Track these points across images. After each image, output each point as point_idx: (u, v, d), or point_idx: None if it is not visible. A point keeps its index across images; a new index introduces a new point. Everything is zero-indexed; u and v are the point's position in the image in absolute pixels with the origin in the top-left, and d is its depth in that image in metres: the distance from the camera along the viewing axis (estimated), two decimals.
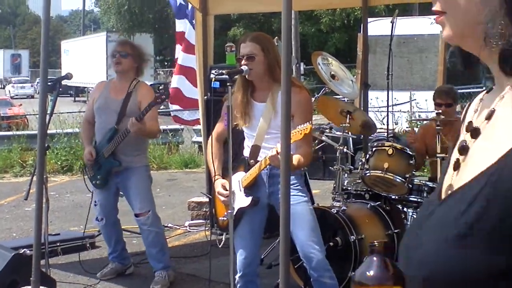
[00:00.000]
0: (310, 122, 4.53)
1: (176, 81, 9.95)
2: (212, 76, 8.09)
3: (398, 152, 6.17)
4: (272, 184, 4.82)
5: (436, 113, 6.43)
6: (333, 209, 5.98)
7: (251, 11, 15.96)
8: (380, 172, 6.11)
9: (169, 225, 8.82)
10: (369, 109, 14.07)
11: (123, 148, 6.35)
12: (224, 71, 4.77)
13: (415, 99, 14.20)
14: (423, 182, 6.36)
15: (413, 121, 13.24)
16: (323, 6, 13.87)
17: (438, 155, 6.06)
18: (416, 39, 15.10)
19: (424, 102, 13.68)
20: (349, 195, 6.54)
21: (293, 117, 4.63)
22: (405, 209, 6.46)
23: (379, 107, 13.98)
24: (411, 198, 6.34)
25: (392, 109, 14.27)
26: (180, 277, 6.71)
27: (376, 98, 14.08)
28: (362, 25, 9.07)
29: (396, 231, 6.24)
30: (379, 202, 6.37)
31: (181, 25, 11.72)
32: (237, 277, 4.98)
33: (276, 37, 17.19)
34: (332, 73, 6.98)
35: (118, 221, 6.80)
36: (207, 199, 8.28)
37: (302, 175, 4.92)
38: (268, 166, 4.71)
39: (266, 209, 4.98)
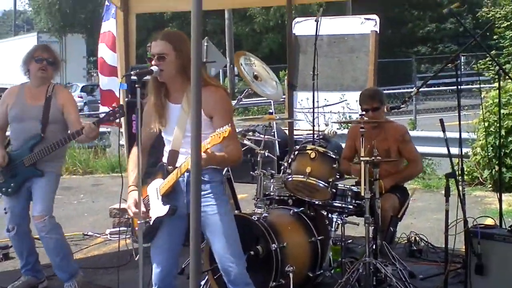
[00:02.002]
0: (230, 123, 4.24)
1: (107, 82, 9.66)
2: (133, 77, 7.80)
3: (321, 155, 5.94)
4: (190, 191, 4.51)
5: (360, 115, 6.22)
6: (254, 216, 5.72)
7: (174, 9, 15.55)
8: (302, 176, 5.87)
9: (89, 233, 8.47)
10: (300, 110, 13.99)
11: (47, 158, 6.05)
12: (132, 72, 4.45)
13: (345, 100, 14.05)
14: (348, 186, 6.13)
15: (341, 123, 13.08)
16: (247, 4, 13.56)
17: (362, 158, 5.84)
18: (347, 38, 14.97)
19: (355, 103, 13.51)
20: (272, 201, 6.29)
21: (212, 118, 4.40)
22: (329, 215, 6.23)
23: (309, 108, 13.76)
24: (335, 204, 6.12)
25: (323, 110, 14.18)
26: None
27: (307, 99, 13.86)
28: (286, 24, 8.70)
29: (319, 238, 6.02)
30: (302, 208, 6.14)
31: (108, 25, 11.47)
32: None
33: (206, 37, 16.93)
34: (255, 73, 6.75)
35: (29, 231, 6.41)
36: None
37: (221, 182, 4.62)
38: (186, 173, 4.42)
39: (185, 219, 4.66)
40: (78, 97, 36.99)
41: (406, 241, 7.54)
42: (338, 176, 6.12)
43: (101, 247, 7.99)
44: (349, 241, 7.36)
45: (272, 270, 5.56)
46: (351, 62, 14.86)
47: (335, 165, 5.93)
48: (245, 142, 6.40)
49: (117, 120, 6.03)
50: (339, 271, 6.16)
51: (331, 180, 5.89)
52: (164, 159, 4.60)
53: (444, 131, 5.70)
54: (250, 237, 5.66)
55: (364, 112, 6.42)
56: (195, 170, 3.76)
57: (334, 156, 5.97)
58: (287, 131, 12.29)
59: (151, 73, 4.41)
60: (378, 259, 5.91)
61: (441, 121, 5.71)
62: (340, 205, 6.11)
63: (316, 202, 6.16)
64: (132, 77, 4.38)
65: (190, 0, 3.60)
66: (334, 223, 6.15)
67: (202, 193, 4.45)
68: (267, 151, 6.09)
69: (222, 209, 4.53)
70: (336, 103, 14.17)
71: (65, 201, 10.43)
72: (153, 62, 4.44)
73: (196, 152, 3.76)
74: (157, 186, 4.54)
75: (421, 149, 11.94)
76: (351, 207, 6.09)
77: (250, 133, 6.65)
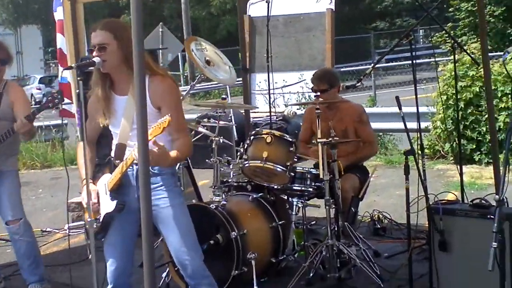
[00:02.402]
0: (175, 114, 4.09)
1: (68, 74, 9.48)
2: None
3: (277, 139, 5.82)
4: None
5: (315, 96, 6.11)
6: (212, 205, 5.60)
7: None
8: (259, 162, 5.76)
9: (48, 229, 8.29)
10: (258, 92, 13.86)
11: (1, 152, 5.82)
12: (73, 64, 4.27)
13: (304, 79, 13.93)
14: (306, 169, 6.03)
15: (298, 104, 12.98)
16: None
17: (319, 140, 5.73)
18: (303, 18, 14.81)
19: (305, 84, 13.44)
20: (230, 187, 6.17)
21: (160, 109, 4.24)
22: (290, 198, 6.13)
23: (267, 90, 13.63)
24: (294, 187, 6.01)
25: (282, 90, 14.08)
26: (55, 286, 6.20)
27: (265, 80, 13.65)
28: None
29: (280, 222, 5.92)
30: (261, 194, 6.03)
31: (59, 14, 11.21)
32: None
33: (161, 23, 16.68)
34: (207, 58, 6.59)
35: None
36: None
37: (173, 173, 4.47)
38: (135, 166, 4.26)
39: (137, 213, 4.45)
40: (37, 89, 36.52)
41: (369, 219, 7.48)
42: (296, 160, 6.02)
43: (60, 243, 7.83)
44: (312, 222, 7.31)
45: (233, 258, 5.46)
46: (308, 41, 14.72)
47: (292, 148, 5.82)
48: (200, 129, 6.24)
49: (59, 107, 5.80)
50: (303, 254, 6.07)
51: (289, 163, 5.78)
52: (112, 153, 4.44)
53: (400, 108, 5.61)
54: (209, 226, 5.57)
55: (315, 94, 6.34)
56: (142, 162, 3.64)
57: (290, 139, 5.86)
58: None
59: (93, 64, 4.24)
60: (341, 241, 5.83)
61: (397, 98, 5.61)
62: (299, 188, 6.01)
63: (275, 187, 6.05)
64: (73, 70, 4.21)
65: None
66: (294, 206, 6.05)
67: (153, 186, 4.29)
68: (222, 137, 5.94)
69: (174, 201, 4.38)
70: (294, 83, 14.05)
71: (23, 197, 10.13)
72: (94, 53, 4.27)
73: (143, 143, 3.64)
74: (105, 182, 4.38)
75: (381, 125, 12.00)
76: (311, 189, 5.99)
77: (205, 120, 6.49)
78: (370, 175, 6.49)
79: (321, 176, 5.71)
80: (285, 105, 13.38)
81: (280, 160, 5.77)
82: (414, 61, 5.89)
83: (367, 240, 6.63)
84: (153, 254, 3.66)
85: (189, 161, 6.66)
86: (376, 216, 7.44)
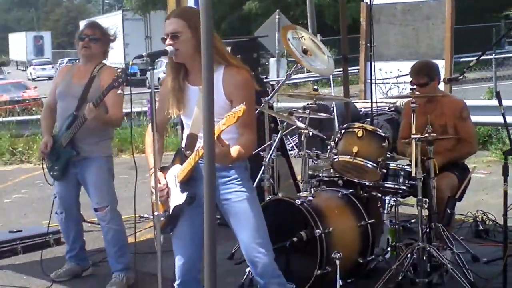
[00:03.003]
0: (247, 104, 3.93)
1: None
2: None
3: (369, 134, 5.55)
4: None
5: (411, 89, 5.80)
6: (297, 200, 5.39)
7: None
8: (349, 157, 5.51)
9: (145, 215, 8.28)
10: (372, 81, 13.51)
11: (82, 136, 5.81)
12: (144, 54, 4.16)
13: None
14: (400, 166, 5.73)
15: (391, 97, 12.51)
16: None
17: (412, 135, 5.43)
18: (422, 6, 14.31)
19: None
20: (320, 182, 5.95)
21: (232, 102, 4.08)
22: (383, 196, 5.84)
23: (383, 79, 13.30)
24: (386, 184, 5.73)
25: (397, 80, 13.66)
26: (142, 277, 6.15)
27: (380, 70, 13.40)
28: None
29: (370, 221, 5.65)
30: (352, 190, 5.77)
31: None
32: (175, 285, 4.42)
33: (278, 10, 16.55)
34: (304, 47, 6.36)
35: (79, 217, 6.28)
36: None
37: (246, 167, 4.30)
38: None
39: None
40: (163, 72, 37.10)
41: (472, 220, 7.08)
42: (389, 156, 5.74)
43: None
44: (412, 220, 6.96)
45: (317, 257, 5.24)
46: (426, 30, 14.21)
47: (384, 144, 5.54)
48: (293, 120, 6.02)
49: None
50: (394, 255, 5.78)
51: (380, 160, 5.50)
52: (183, 144, 4.30)
53: (500, 103, 5.25)
54: (294, 223, 5.39)
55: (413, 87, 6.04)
56: (208, 154, 3.47)
57: (383, 134, 5.58)
58: (357, 105, 11.93)
59: (166, 53, 4.11)
60: (433, 243, 5.52)
61: (497, 94, 5.26)
62: (392, 186, 5.72)
63: (367, 183, 5.79)
64: (144, 59, 4.09)
65: None
66: (387, 205, 5.76)
67: (225, 179, 4.21)
68: (312, 130, 5.70)
69: (247, 196, 4.21)
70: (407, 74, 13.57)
71: (130, 181, 10.28)
72: (167, 42, 4.14)
73: (209, 138, 3.47)
74: (175, 173, 4.26)
75: (498, 118, 11.41)
76: (404, 187, 5.69)
77: (300, 110, 6.23)
78: (470, 173, 6.10)
79: (413, 174, 5.41)
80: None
81: (371, 155, 5.50)
82: None
83: (466, 243, 6.28)
84: (215, 252, 3.45)
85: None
86: (479, 216, 7.03)
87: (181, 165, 4.22)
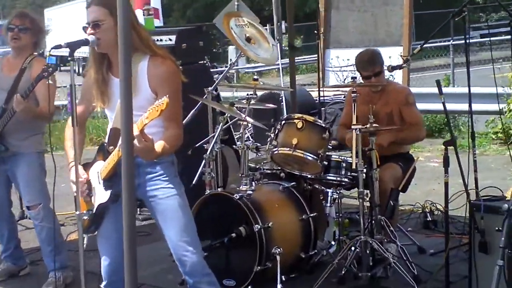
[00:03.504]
0: (172, 96, 3.77)
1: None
2: None
3: (309, 125, 5.42)
4: (138, 174, 4.01)
5: (352, 78, 5.68)
6: (236, 195, 5.23)
7: None
8: (288, 149, 5.36)
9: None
10: (331, 69, 13.40)
11: (12, 130, 5.53)
12: (63, 43, 3.95)
13: None
14: (342, 158, 5.60)
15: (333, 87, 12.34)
16: None
17: (353, 126, 5.30)
18: None
19: (388, 59, 12.79)
20: (262, 175, 5.80)
21: (157, 94, 3.89)
22: (325, 189, 5.71)
23: (341, 67, 13.16)
24: (328, 177, 5.59)
25: (354, 68, 13.51)
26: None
27: (337, 57, 13.30)
28: None
29: (312, 215, 5.51)
30: (294, 183, 5.62)
31: None
32: (102, 286, 4.25)
33: None
34: (248, 35, 6.19)
35: (11, 215, 6.05)
36: None
37: (172, 162, 4.12)
38: None
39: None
40: None
41: (421, 211, 6.98)
42: (330, 147, 5.60)
43: None
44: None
45: (256, 252, 5.10)
46: (385, 16, 14.08)
47: (325, 135, 5.40)
48: (234, 112, 5.85)
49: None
50: (338, 249, 5.66)
51: (321, 151, 5.36)
52: (106, 139, 4.12)
53: (440, 92, 5.14)
54: (232, 218, 5.24)
55: (366, 81, 5.95)
56: (126, 148, 3.29)
57: (324, 125, 5.45)
58: (314, 94, 11.75)
59: (87, 43, 3.91)
60: (377, 236, 5.40)
61: (437, 82, 5.15)
62: (334, 178, 5.59)
63: (309, 176, 5.65)
64: (62, 49, 3.90)
65: None
66: (329, 197, 5.63)
67: (151, 175, 4.05)
68: (252, 120, 5.55)
69: (174, 192, 4.04)
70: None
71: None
72: (88, 31, 3.94)
73: (126, 131, 3.29)
74: (98, 170, 4.07)
75: (456, 106, 11.33)
76: (346, 180, 5.56)
77: (244, 101, 6.05)
78: (413, 164, 5.96)
79: (353, 166, 5.28)
80: None
81: (311, 147, 5.36)
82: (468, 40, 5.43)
83: (414, 235, 6.20)
84: (135, 250, 3.25)
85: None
86: (428, 207, 6.92)
87: (104, 161, 4.04)
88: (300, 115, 5.49)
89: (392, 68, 5.92)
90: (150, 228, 7.17)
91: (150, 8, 7.61)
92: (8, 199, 5.97)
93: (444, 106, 5.13)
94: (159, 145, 3.83)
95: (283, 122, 5.53)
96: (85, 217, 4.10)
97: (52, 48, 4.05)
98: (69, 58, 3.92)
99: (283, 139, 5.44)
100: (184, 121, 6.29)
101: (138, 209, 7.62)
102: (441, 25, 5.91)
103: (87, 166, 4.15)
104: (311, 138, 5.39)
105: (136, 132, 3.60)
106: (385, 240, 5.52)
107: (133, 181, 3.31)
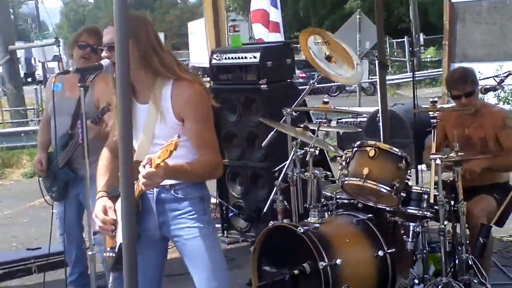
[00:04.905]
0: (196, 127, 3.44)
1: None
2: (214, 61, 7.05)
3: (383, 153, 4.86)
4: (163, 212, 3.69)
5: (432, 101, 5.10)
6: (300, 228, 4.75)
7: None
8: (358, 179, 4.84)
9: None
10: None
11: (78, 155, 5.25)
12: (71, 69, 3.62)
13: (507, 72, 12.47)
14: (424, 189, 5.02)
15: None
16: None
17: (432, 155, 4.73)
18: (509, 2, 13.36)
19: None
20: (337, 205, 5.30)
21: (184, 121, 3.54)
22: (407, 222, 5.13)
23: None
24: (409, 210, 5.02)
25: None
26: None
27: None
28: None
29: (389, 251, 4.95)
30: (371, 215, 5.08)
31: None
32: None
33: (359, 10, 15.89)
34: (328, 53, 5.74)
35: (81, 240, 5.83)
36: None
37: (201, 198, 3.72)
38: (156, 188, 3.62)
39: (161, 243, 3.84)
40: None
41: None
42: (409, 177, 5.04)
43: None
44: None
45: None
46: None
47: (401, 164, 4.84)
48: (307, 136, 5.39)
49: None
50: None
51: (396, 182, 4.80)
52: None
53: None
54: (296, 253, 4.77)
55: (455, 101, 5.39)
56: (125, 189, 2.92)
57: (400, 154, 4.88)
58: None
59: (100, 68, 3.58)
60: (464, 277, 4.80)
61: None
62: (416, 212, 5.02)
63: (387, 208, 5.10)
64: (70, 75, 3.58)
65: None
66: (411, 232, 5.05)
67: (176, 213, 3.69)
68: (317, 147, 5.05)
69: (202, 232, 3.67)
70: (487, 78, 12.60)
71: None
72: (103, 54, 3.60)
73: (125, 163, 2.90)
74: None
75: None
76: (428, 213, 4.98)
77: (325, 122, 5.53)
78: (509, 196, 5.29)
79: (431, 200, 4.71)
80: None
81: (385, 178, 4.81)
82: None
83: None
84: (134, 251, 2.91)
85: None
86: None
87: None
88: (373, 142, 4.95)
89: (485, 90, 5.34)
90: (235, 253, 6.87)
91: (236, 24, 7.25)
92: (79, 223, 5.76)
93: None
94: (177, 167, 3.44)
95: (355, 149, 5.01)
96: (110, 254, 3.76)
97: (57, 74, 3.75)
98: (79, 85, 3.59)
99: (354, 168, 4.93)
100: (263, 144, 5.99)
101: (225, 231, 7.33)
102: None
103: (116, 199, 3.82)
104: (384, 168, 4.84)
105: (148, 170, 3.26)
106: (474, 281, 4.90)
107: (132, 180, 2.89)
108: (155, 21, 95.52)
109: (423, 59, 34.09)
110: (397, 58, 33.29)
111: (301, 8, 41.12)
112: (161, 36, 45.09)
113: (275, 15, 13.28)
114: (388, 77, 24.49)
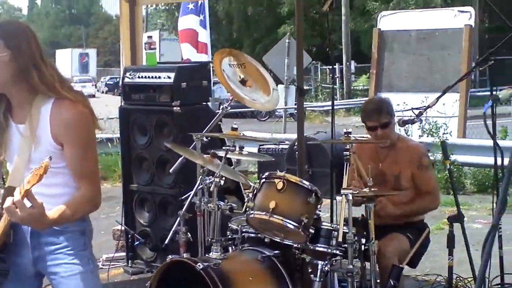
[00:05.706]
0: (75, 153, 3.07)
1: None
2: (126, 79, 6.69)
3: (291, 186, 4.55)
4: (38, 246, 3.29)
5: (345, 133, 4.83)
6: (199, 264, 4.40)
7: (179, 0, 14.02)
8: (265, 213, 4.51)
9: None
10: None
11: None
12: None
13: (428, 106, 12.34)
14: (333, 226, 4.72)
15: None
16: None
17: (342, 190, 4.45)
18: (438, 34, 13.30)
19: (442, 107, 11.80)
20: (244, 239, 4.97)
21: (62, 145, 3.17)
22: (315, 260, 4.82)
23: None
24: (318, 248, 4.71)
25: (402, 114, 12.55)
26: None
27: None
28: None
29: None
30: (277, 251, 4.75)
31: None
32: None
33: (288, 33, 15.68)
34: (242, 77, 5.42)
35: None
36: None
37: (81, 232, 3.35)
38: None
39: (34, 280, 3.44)
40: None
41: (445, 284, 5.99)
42: (319, 212, 4.74)
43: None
44: None
45: None
46: (442, 61, 13.18)
47: (310, 199, 4.53)
48: (214, 164, 5.04)
49: None
50: None
51: (304, 218, 4.48)
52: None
53: (446, 157, 4.30)
54: None
55: (371, 133, 5.14)
56: None
57: (310, 188, 4.57)
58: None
59: None
60: None
61: (442, 144, 4.29)
62: (324, 250, 4.71)
63: (294, 245, 4.78)
64: None
65: None
66: (318, 271, 4.73)
67: (53, 247, 3.29)
68: (222, 177, 4.70)
69: (80, 269, 3.29)
70: (408, 109, 12.48)
71: (103, 213, 9.33)
72: None
73: None
74: None
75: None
76: (337, 252, 4.68)
77: (236, 150, 5.21)
78: (422, 237, 5.03)
79: (339, 239, 4.42)
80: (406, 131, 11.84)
81: (292, 213, 4.49)
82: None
83: None
84: None
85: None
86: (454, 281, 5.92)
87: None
88: (282, 174, 4.63)
89: (403, 123, 5.11)
90: (139, 285, 6.51)
91: (152, 42, 6.89)
92: None
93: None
94: (56, 210, 3.07)
95: (263, 180, 4.69)
96: None
97: None
98: None
99: (261, 201, 4.59)
100: (172, 169, 5.63)
101: (130, 261, 6.93)
102: (464, 75, 5.05)
103: None
104: (292, 202, 4.52)
105: (17, 197, 2.87)
106: None
107: None
108: (89, 37, 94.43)
109: (354, 87, 34.23)
110: (328, 85, 33.28)
111: (235, 30, 40.99)
112: (93, 52, 44.50)
113: (204, 36, 13.02)
114: (317, 104, 24.43)
